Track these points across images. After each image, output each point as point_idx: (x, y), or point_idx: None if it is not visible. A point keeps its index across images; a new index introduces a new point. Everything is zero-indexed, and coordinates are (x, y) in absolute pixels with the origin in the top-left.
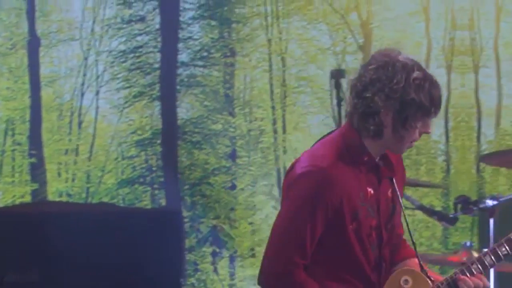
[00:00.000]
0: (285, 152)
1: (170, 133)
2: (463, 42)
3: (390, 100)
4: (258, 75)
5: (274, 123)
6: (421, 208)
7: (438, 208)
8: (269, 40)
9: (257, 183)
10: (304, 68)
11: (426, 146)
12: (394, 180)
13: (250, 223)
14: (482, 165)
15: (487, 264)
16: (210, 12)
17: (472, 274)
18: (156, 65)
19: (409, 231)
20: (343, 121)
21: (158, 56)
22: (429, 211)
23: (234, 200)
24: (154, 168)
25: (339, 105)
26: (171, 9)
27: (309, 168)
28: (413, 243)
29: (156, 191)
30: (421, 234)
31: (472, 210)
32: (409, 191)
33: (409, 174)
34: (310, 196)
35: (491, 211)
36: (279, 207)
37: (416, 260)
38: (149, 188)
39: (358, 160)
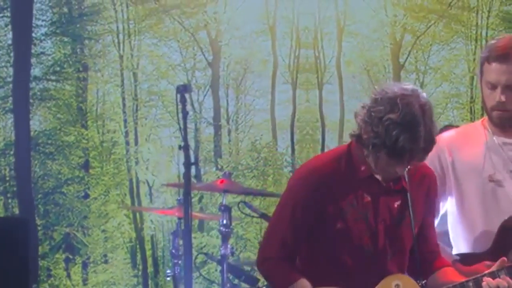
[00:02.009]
0: (137, 163)
1: (23, 144)
2: (308, 60)
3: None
4: (111, 89)
5: (126, 135)
6: (263, 216)
7: None
8: (121, 56)
9: (110, 192)
10: (155, 83)
11: (273, 158)
12: (409, 195)
13: (103, 231)
14: None
15: None
16: (62, 28)
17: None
18: (9, 79)
19: (417, 245)
20: (188, 133)
21: (10, 70)
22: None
23: (87, 209)
24: (7, 178)
25: (184, 118)
26: (23, 25)
27: (303, 166)
28: (419, 259)
29: (10, 200)
30: None
31: None
32: (257, 201)
33: (257, 184)
34: (294, 190)
35: None
36: (131, 216)
37: (451, 269)
38: (1, 197)
39: (356, 167)
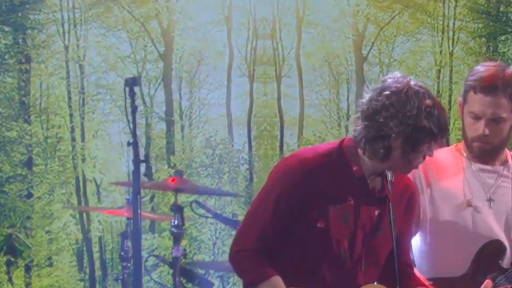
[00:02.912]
0: (83, 160)
1: None
2: (265, 52)
3: (402, 126)
4: (55, 82)
5: (72, 130)
6: (217, 216)
7: (241, 217)
8: (66, 47)
9: (55, 191)
10: (103, 76)
11: (228, 155)
12: (390, 205)
13: (47, 232)
14: None
15: None
16: (3, 17)
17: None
18: None
19: (395, 253)
20: (139, 129)
21: None
22: (225, 220)
23: (30, 209)
24: None
25: (133, 113)
26: None
27: (292, 156)
28: (398, 270)
29: None
30: (224, 242)
31: None
32: (211, 200)
33: (212, 183)
34: (280, 179)
35: None
36: (77, 216)
37: None
38: None
39: (347, 166)
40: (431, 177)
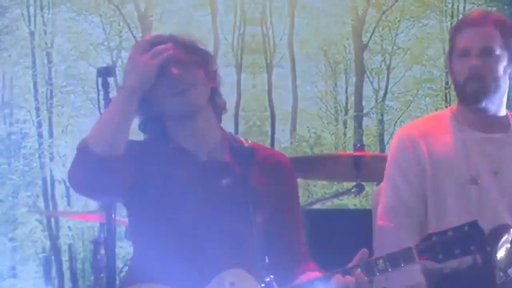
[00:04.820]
0: (51, 159)
1: None
2: (254, 39)
3: None
4: (20, 72)
5: (39, 126)
6: None
7: None
8: (32, 33)
9: (19, 193)
10: (73, 65)
11: None
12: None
13: (11, 239)
14: None
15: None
16: None
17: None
18: None
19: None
20: None
21: None
22: None
23: None
24: None
25: (107, 106)
26: None
27: None
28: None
29: None
30: None
31: None
32: None
33: None
34: None
35: None
36: (45, 221)
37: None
38: None
39: None
40: (430, 146)
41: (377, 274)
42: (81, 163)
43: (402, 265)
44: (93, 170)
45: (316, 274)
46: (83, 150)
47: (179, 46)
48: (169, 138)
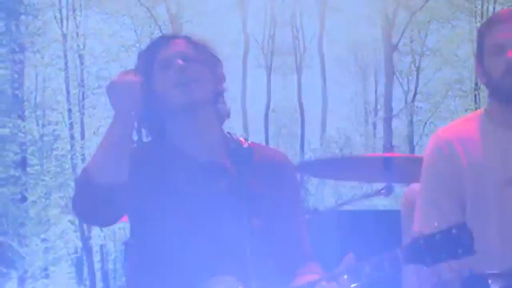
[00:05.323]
0: (83, 160)
1: None
2: (284, 40)
3: None
4: (52, 74)
5: (71, 127)
6: None
7: None
8: (64, 35)
9: (51, 195)
10: (105, 67)
11: None
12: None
13: (43, 240)
14: (307, 176)
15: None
16: None
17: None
18: None
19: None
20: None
21: None
22: None
23: (24, 214)
24: None
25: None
26: None
27: None
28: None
29: None
30: None
31: None
32: None
33: None
34: None
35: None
36: (76, 222)
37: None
38: None
39: None
40: (465, 149)
41: (363, 278)
42: (83, 194)
43: (388, 269)
44: (96, 201)
45: (312, 276)
46: (85, 181)
47: (190, 44)
48: (168, 138)
